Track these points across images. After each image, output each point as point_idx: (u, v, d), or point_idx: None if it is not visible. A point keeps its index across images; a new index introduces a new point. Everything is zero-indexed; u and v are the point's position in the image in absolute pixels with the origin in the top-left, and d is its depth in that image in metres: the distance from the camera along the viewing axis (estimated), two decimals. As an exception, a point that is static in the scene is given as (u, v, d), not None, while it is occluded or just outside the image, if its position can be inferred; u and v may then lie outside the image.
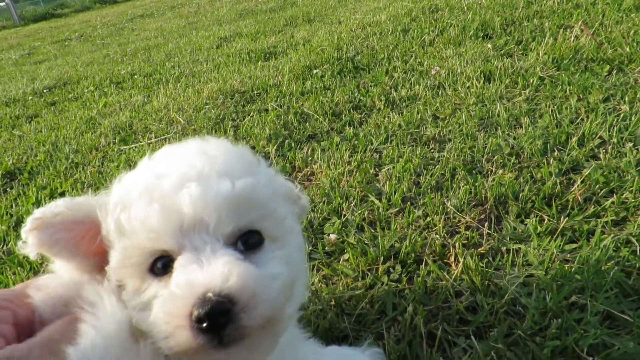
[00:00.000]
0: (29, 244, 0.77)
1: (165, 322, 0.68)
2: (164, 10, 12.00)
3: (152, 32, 8.53)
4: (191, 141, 0.89)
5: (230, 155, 0.83)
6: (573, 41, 2.84)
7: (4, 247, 1.97)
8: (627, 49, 2.55)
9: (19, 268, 1.77)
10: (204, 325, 0.65)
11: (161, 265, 0.75)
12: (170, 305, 0.68)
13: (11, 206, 2.40)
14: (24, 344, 0.67)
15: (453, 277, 1.32)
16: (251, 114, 2.94)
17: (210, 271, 0.69)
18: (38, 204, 2.35)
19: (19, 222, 2.19)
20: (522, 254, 1.36)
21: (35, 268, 1.76)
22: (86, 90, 4.77)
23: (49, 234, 0.77)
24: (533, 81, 2.46)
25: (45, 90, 5.13)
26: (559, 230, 1.41)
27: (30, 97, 4.93)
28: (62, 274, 0.80)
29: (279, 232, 0.82)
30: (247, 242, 0.77)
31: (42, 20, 16.69)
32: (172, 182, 0.75)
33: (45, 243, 0.77)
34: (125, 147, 2.89)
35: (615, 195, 1.51)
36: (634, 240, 1.33)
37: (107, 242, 0.78)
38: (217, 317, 0.65)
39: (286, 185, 0.94)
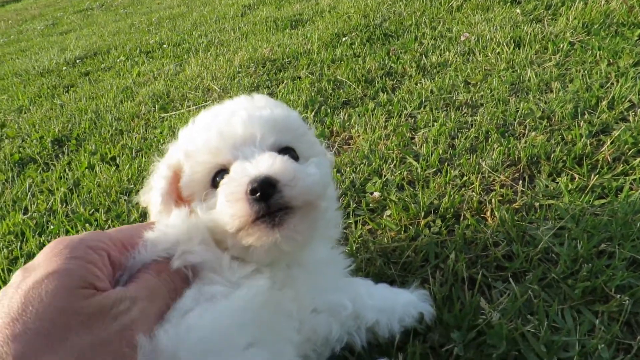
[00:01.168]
0: (157, 191, 1.04)
1: (227, 200, 0.90)
2: (182, -23, 11.95)
3: (174, 0, 8.57)
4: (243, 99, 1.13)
5: (269, 100, 1.10)
6: (603, 5, 2.86)
7: (68, 207, 2.14)
8: (658, 13, 2.57)
9: (86, 224, 1.94)
10: (257, 195, 0.86)
11: (220, 178, 0.96)
12: (231, 186, 0.90)
13: (65, 170, 2.58)
14: (129, 288, 0.80)
15: (490, 229, 1.45)
16: (284, 82, 3.05)
17: (259, 161, 0.92)
18: (91, 168, 2.52)
19: (76, 184, 2.37)
20: (554, 209, 1.47)
21: (102, 225, 1.93)
22: (118, 60, 4.90)
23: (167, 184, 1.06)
24: (563, 46, 2.52)
25: (77, 61, 5.28)
26: (589, 187, 1.52)
27: (64, 68, 5.08)
28: (160, 227, 0.96)
29: (311, 152, 1.08)
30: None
31: (60, -11, 16.69)
32: (226, 114, 1.01)
33: (165, 190, 1.04)
34: (165, 114, 3.03)
35: (643, 155, 1.60)
36: (660, 195, 1.43)
37: (179, 171, 1.03)
38: (266, 188, 0.87)
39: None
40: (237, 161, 0.95)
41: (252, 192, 0.87)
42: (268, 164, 0.90)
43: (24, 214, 2.18)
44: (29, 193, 2.38)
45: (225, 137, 0.97)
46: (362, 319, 1.13)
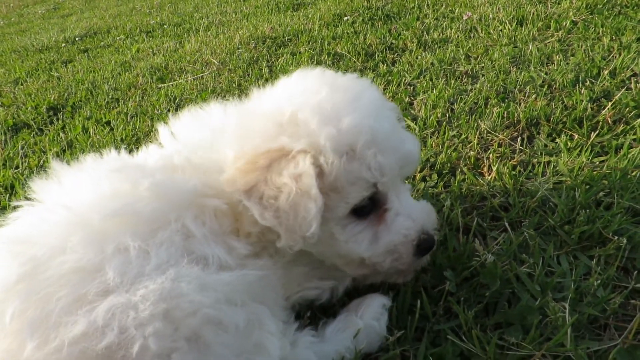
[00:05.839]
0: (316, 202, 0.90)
1: (395, 245, 1.00)
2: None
3: (177, -13, 8.53)
4: (353, 80, 1.04)
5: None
6: (607, -12, 2.84)
7: (60, 164, 2.11)
8: (662, -5, 2.55)
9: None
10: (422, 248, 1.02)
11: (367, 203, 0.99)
12: (403, 234, 1.00)
13: (58, 134, 2.54)
14: None
15: (487, 182, 1.42)
16: (284, 56, 3.02)
17: (425, 214, 1.05)
18: (85, 130, 2.49)
19: (70, 145, 2.34)
20: (552, 165, 1.45)
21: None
22: (117, 39, 4.87)
23: None
24: (566, 24, 2.49)
25: (77, 39, 5.24)
26: (588, 144, 1.50)
27: (63, 45, 5.04)
28: None
29: None
30: None
31: (64, -22, 16.62)
32: (397, 136, 0.99)
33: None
34: (162, 85, 3.00)
35: (644, 117, 1.58)
36: (660, 154, 1.41)
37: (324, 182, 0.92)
38: (433, 245, 1.04)
39: None
40: (390, 194, 0.99)
41: (420, 244, 1.01)
42: (433, 218, 1.07)
43: (15, 170, 2.15)
44: (21, 152, 2.34)
45: (399, 164, 0.98)
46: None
